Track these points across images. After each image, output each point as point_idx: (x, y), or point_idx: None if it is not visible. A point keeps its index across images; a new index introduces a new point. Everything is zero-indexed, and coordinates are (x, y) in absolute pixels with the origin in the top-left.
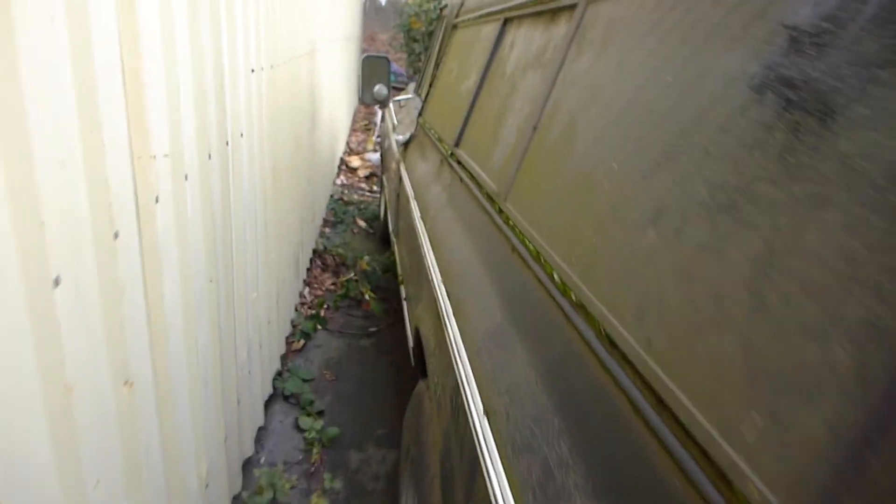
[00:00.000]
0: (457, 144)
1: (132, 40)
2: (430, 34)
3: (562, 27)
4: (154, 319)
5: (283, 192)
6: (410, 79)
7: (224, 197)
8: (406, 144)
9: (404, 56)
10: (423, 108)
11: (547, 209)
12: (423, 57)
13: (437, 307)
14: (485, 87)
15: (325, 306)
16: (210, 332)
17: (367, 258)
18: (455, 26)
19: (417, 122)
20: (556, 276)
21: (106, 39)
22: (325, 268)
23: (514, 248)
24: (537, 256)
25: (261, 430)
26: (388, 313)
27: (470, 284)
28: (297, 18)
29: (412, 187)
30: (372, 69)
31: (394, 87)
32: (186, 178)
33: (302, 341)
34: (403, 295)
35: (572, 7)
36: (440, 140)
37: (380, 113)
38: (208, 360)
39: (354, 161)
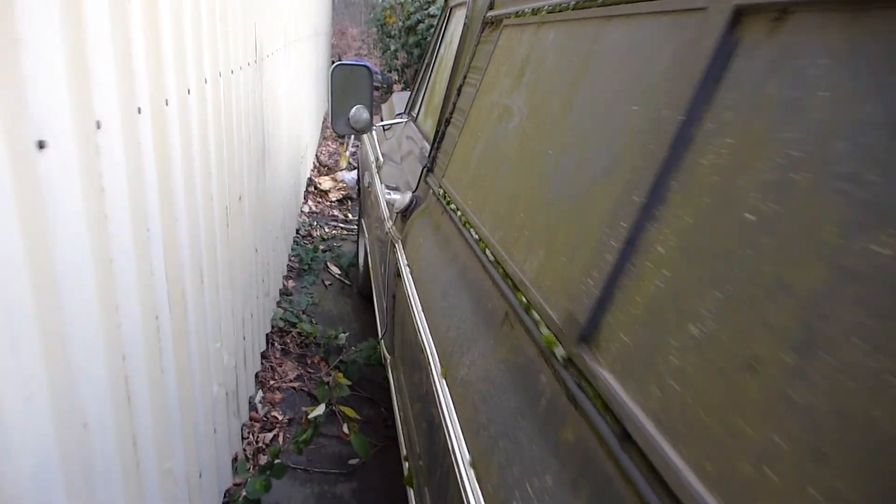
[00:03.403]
0: (584, 341)
1: None
2: (409, 29)
3: None
4: None
5: (194, 321)
6: (385, 78)
7: None
8: (404, 213)
9: (378, 53)
10: (435, 159)
11: None
12: (399, 55)
13: None
14: (689, 174)
15: (285, 438)
16: None
17: (342, 337)
18: (495, 23)
19: (424, 180)
20: None
21: None
22: (286, 351)
23: None
24: None
25: None
26: (374, 426)
27: None
28: (230, 22)
29: (434, 349)
30: (346, 83)
31: None
32: None
33: None
34: None
35: None
36: (513, 286)
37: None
38: None
39: (325, 182)
